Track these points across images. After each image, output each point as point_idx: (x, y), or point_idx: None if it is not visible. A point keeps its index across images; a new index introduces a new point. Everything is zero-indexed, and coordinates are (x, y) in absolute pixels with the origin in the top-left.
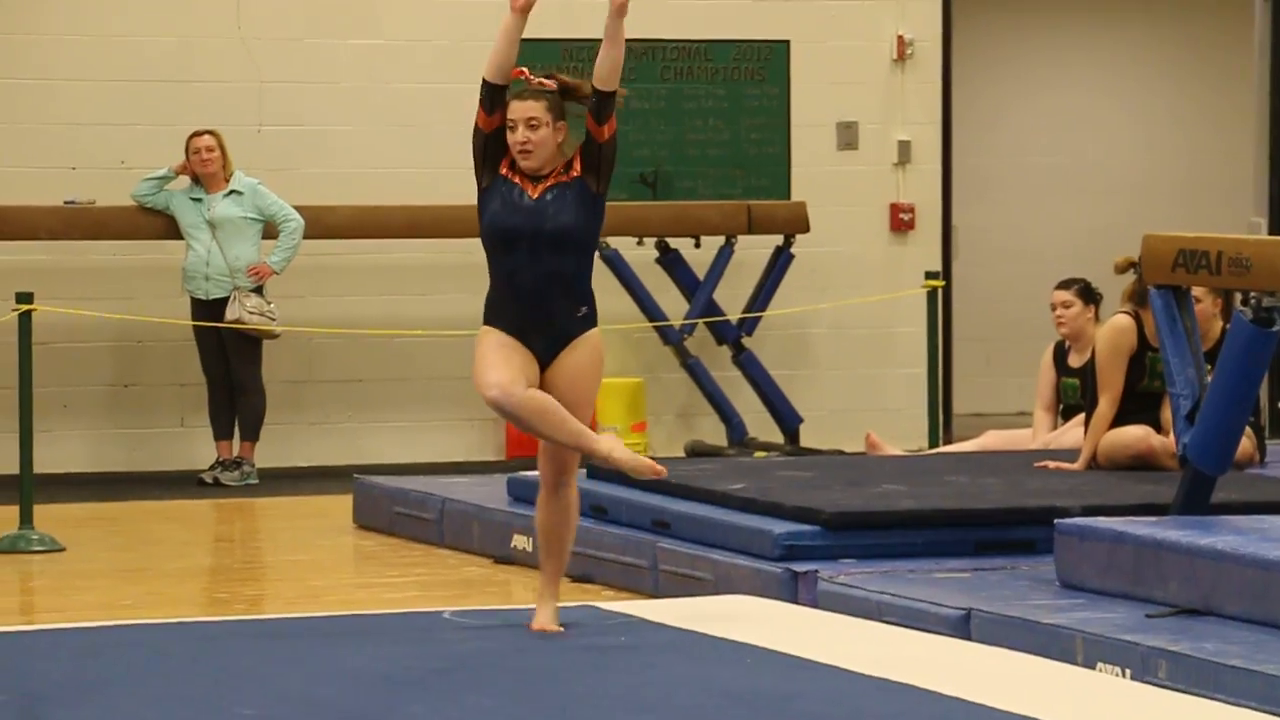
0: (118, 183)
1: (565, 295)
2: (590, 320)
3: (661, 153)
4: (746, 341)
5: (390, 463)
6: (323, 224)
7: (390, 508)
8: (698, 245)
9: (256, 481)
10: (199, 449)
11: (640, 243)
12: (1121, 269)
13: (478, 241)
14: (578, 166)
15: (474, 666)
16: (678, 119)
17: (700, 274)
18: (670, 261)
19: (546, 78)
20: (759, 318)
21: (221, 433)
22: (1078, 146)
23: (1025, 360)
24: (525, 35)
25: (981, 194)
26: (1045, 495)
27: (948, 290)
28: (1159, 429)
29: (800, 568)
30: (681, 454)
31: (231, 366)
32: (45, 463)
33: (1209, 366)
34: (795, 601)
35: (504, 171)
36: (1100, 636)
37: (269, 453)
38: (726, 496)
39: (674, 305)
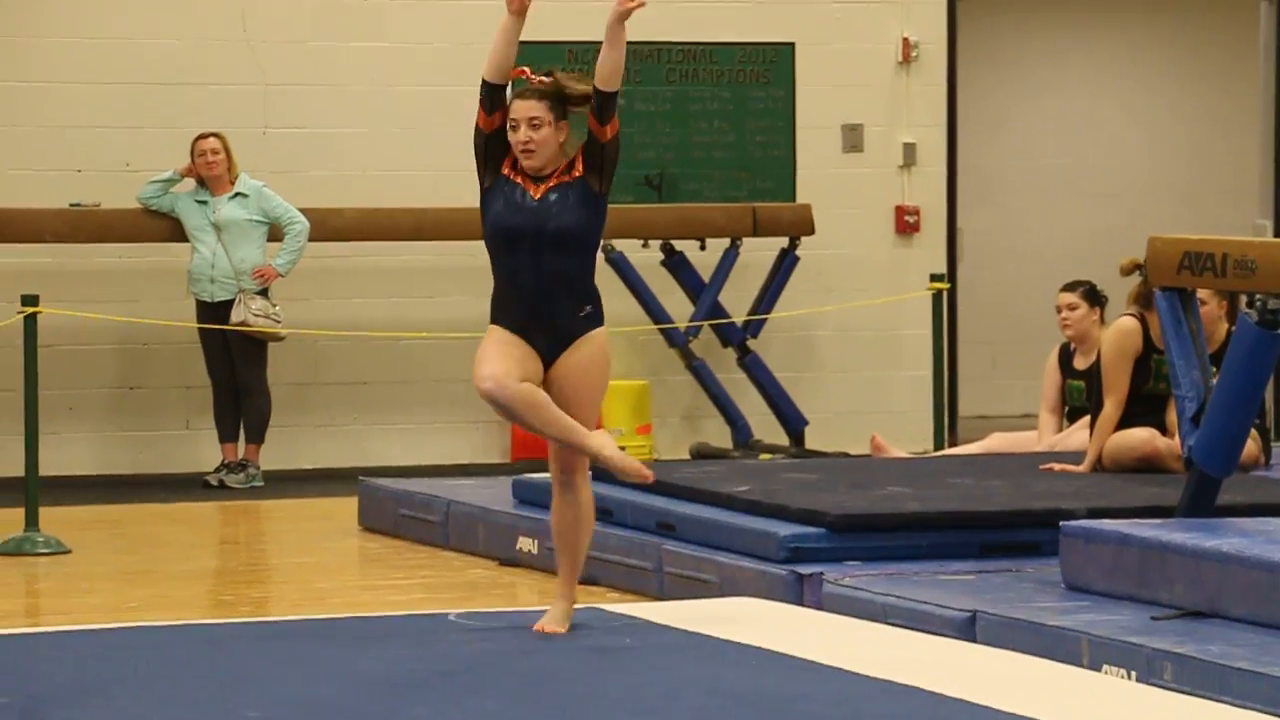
0: (123, 185)
1: (568, 294)
2: (595, 319)
3: (667, 155)
4: (752, 344)
5: (395, 465)
6: (328, 226)
7: (395, 510)
8: (703, 247)
9: (262, 484)
10: (204, 451)
11: (645, 245)
12: (1127, 271)
13: (482, 244)
14: (580, 166)
15: (479, 669)
16: (683, 121)
17: (705, 276)
18: (675, 264)
19: (547, 75)
20: (764, 320)
21: (227, 435)
22: (1083, 149)
23: (1030, 362)
24: (530, 37)
25: (987, 196)
26: (1050, 497)
27: (953, 292)
28: (1164, 431)
29: (805, 570)
30: (687, 456)
31: (237, 369)
32: (50, 465)
33: (1214, 369)
34: (800, 604)
35: (506, 172)
36: (1106, 639)
37: (274, 455)
38: (731, 499)
39: (679, 307)
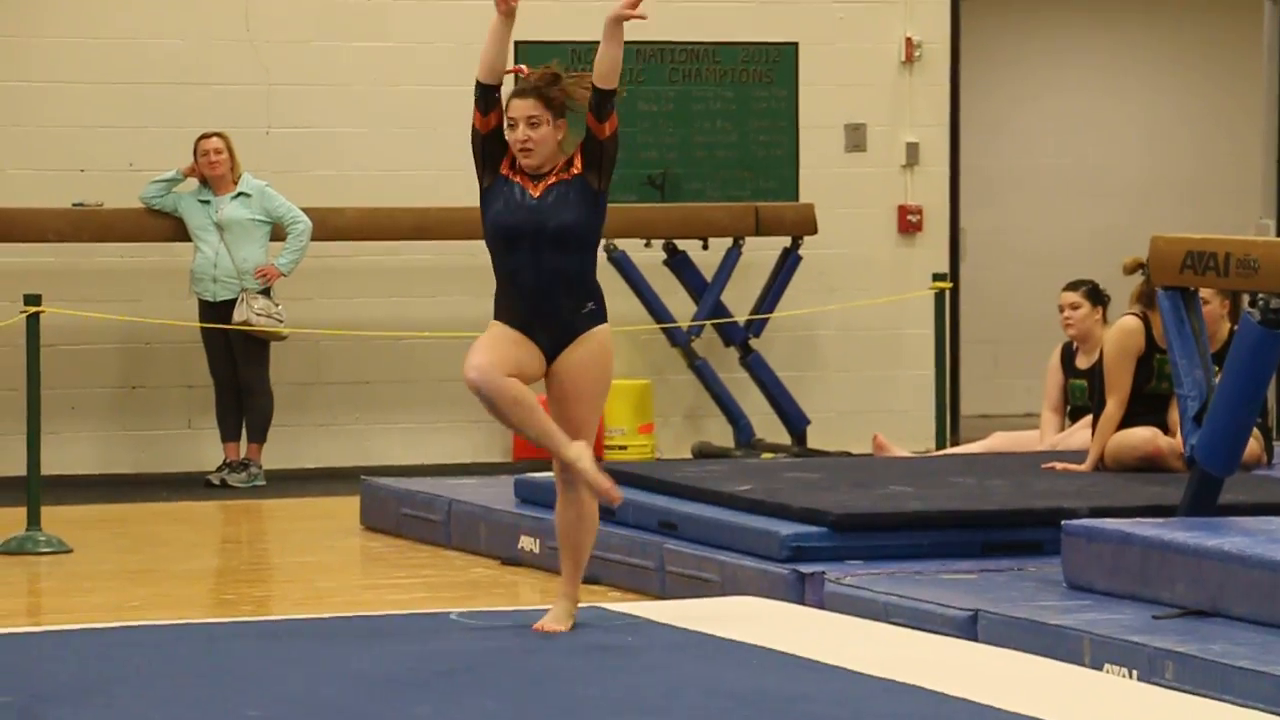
0: (126, 185)
1: (569, 292)
2: (597, 316)
3: (669, 155)
4: (754, 343)
5: (397, 464)
6: (330, 226)
7: (397, 509)
8: (705, 247)
9: (264, 483)
10: (206, 451)
11: (648, 244)
12: (1130, 270)
13: (484, 243)
14: (578, 164)
15: (480, 668)
16: (686, 121)
17: (708, 276)
18: (678, 263)
19: (545, 72)
20: (766, 319)
21: (229, 434)
22: (1086, 148)
23: (1033, 362)
24: (531, 37)
25: (989, 196)
26: (1052, 496)
27: (955, 292)
28: (1166, 431)
29: (807, 569)
30: (689, 455)
31: (239, 368)
32: (53, 464)
33: (1217, 368)
34: (802, 603)
35: (505, 171)
36: (1107, 638)
37: (276, 454)
38: (734, 498)
39: (681, 307)
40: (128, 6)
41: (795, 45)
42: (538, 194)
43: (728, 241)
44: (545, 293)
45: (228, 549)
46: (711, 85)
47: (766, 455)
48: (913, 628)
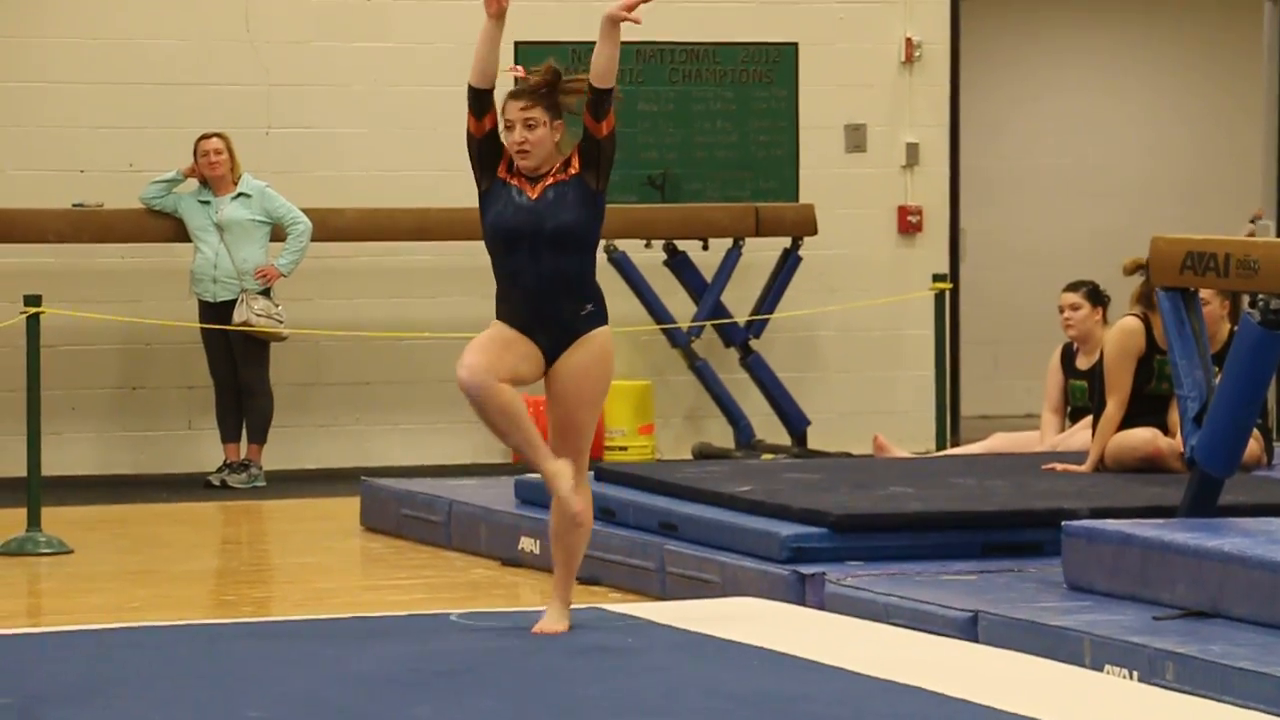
0: (126, 185)
1: (569, 293)
2: (597, 318)
3: (669, 155)
4: (754, 344)
5: (397, 465)
6: (330, 226)
7: (397, 510)
8: (705, 247)
9: (264, 484)
10: (206, 451)
11: (648, 245)
12: (1130, 271)
13: (484, 244)
14: (576, 164)
15: (481, 669)
16: (686, 121)
17: (708, 276)
18: (678, 264)
19: (543, 73)
20: (767, 320)
21: (229, 435)
22: (1085, 149)
23: (1033, 362)
24: (532, 37)
25: (989, 196)
26: (1053, 497)
27: (955, 292)
28: (1166, 431)
29: (807, 570)
30: (689, 456)
31: (239, 369)
32: (53, 465)
33: (1217, 369)
34: (802, 604)
35: (502, 174)
36: (1108, 639)
37: (276, 455)
38: (734, 499)
39: (682, 307)
40: (128, 7)
41: (795, 45)
42: (535, 195)
43: (728, 242)
44: (545, 294)
45: (228, 550)
46: (712, 86)
47: (767, 456)
48: (913, 629)
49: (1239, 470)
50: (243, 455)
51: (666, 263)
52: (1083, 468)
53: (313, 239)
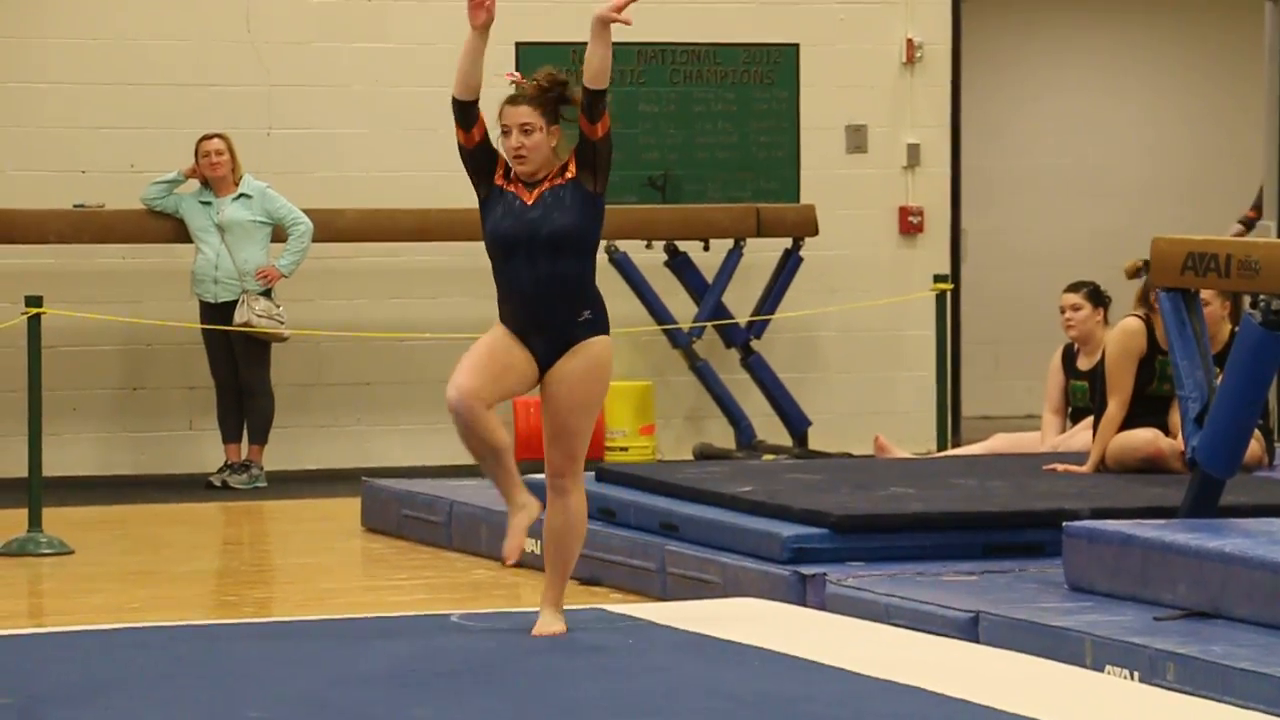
0: (127, 186)
1: (566, 298)
2: (595, 325)
3: (670, 156)
4: (755, 344)
5: (398, 465)
6: (331, 227)
7: (398, 510)
8: (706, 248)
9: (265, 484)
10: (207, 452)
11: (649, 245)
12: (1131, 274)
13: (484, 244)
14: (573, 168)
15: (481, 669)
16: (687, 122)
17: (709, 277)
18: (679, 264)
19: (538, 79)
20: (768, 320)
21: (230, 436)
22: (1086, 149)
23: (1034, 363)
24: (532, 38)
25: (990, 197)
26: (1053, 498)
27: (956, 293)
28: (1167, 432)
29: (808, 570)
30: (690, 456)
31: (240, 370)
32: (54, 466)
33: (1218, 370)
34: (803, 604)
35: (499, 181)
36: (1108, 639)
37: (277, 456)
38: (735, 499)
39: (683, 308)
40: (128, 7)
41: (796, 46)
42: (532, 201)
43: (729, 243)
44: (541, 299)
45: (229, 550)
46: (712, 86)
47: (768, 457)
48: (914, 629)
49: (1240, 471)
50: (244, 456)
51: (667, 263)
52: (1084, 468)
53: (314, 240)
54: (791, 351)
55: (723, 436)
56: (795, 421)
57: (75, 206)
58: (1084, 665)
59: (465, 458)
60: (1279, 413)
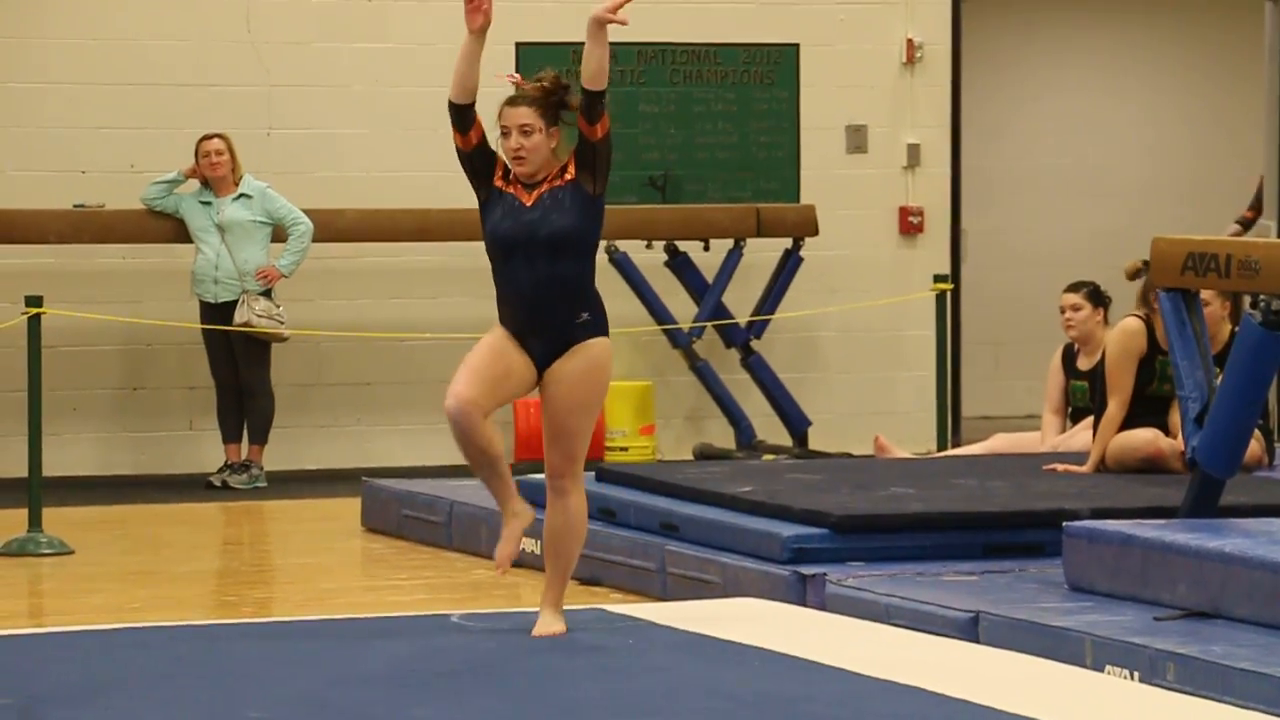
0: (127, 186)
1: (564, 300)
2: (594, 327)
3: (670, 156)
4: (755, 344)
5: (398, 465)
6: (332, 227)
7: (399, 511)
8: (706, 248)
9: (265, 484)
10: (207, 452)
11: (649, 245)
12: (1132, 276)
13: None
14: (572, 170)
15: (481, 669)
16: (687, 122)
17: (709, 277)
18: (679, 264)
19: (540, 81)
20: (768, 320)
21: (230, 436)
22: (1087, 149)
23: (1034, 363)
24: (532, 38)
25: (990, 197)
26: (1054, 498)
27: (956, 293)
28: (1168, 432)
29: (808, 570)
30: (690, 457)
31: (240, 370)
32: (54, 466)
33: (1218, 370)
34: (803, 604)
35: (498, 183)
36: (1109, 639)
37: (277, 456)
38: (735, 499)
39: (683, 308)
40: (128, 7)
41: (796, 46)
42: (530, 202)
43: (729, 243)
44: (539, 300)
45: (229, 550)
46: (713, 86)
47: (768, 457)
48: (914, 629)
49: (1240, 471)
50: (244, 456)
51: (668, 263)
52: (1084, 468)
53: (314, 240)
54: (791, 352)
55: (723, 437)
56: (795, 422)
57: (75, 206)
58: (1084, 665)
59: (465, 458)
60: (1279, 413)
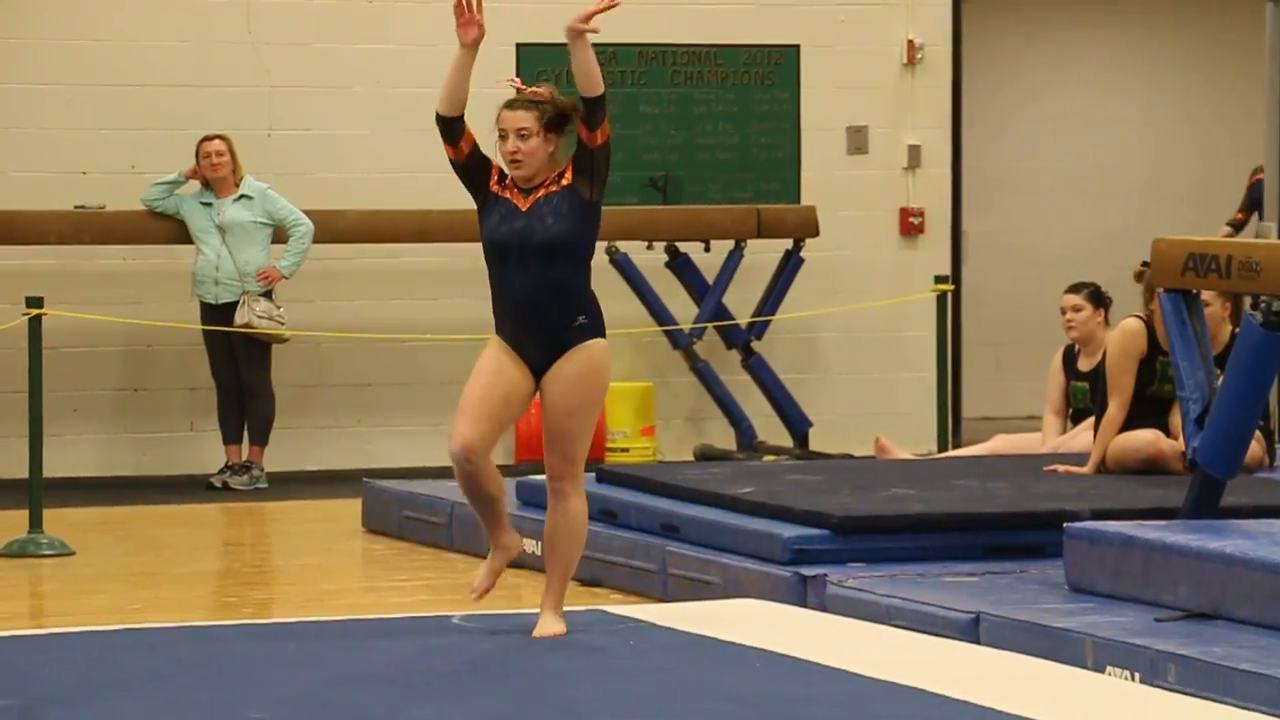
0: (128, 187)
1: (560, 304)
2: (591, 330)
3: (671, 157)
4: (756, 345)
5: (399, 466)
6: (332, 228)
7: (399, 511)
8: (707, 249)
9: (265, 485)
10: (208, 453)
11: (650, 246)
12: (1139, 277)
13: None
14: (569, 175)
15: (482, 670)
16: (688, 123)
17: (710, 278)
18: (680, 265)
19: (539, 89)
20: (768, 321)
21: (231, 437)
22: (1087, 150)
23: (1035, 364)
24: (532, 39)
25: (991, 198)
26: (1054, 499)
27: (957, 294)
28: (1168, 433)
29: (809, 571)
30: (691, 458)
31: (241, 371)
32: (55, 467)
33: (1219, 371)
34: (804, 605)
35: (494, 188)
36: (1109, 640)
37: (278, 457)
38: (736, 500)
39: (683, 309)
40: (128, 8)
41: (797, 47)
42: (526, 207)
43: (729, 243)
44: (533, 305)
45: (230, 551)
46: (713, 87)
47: (768, 458)
48: (915, 630)
49: (1241, 472)
50: (244, 457)
51: (668, 264)
52: (1084, 469)
53: (314, 241)
54: (792, 352)
55: (723, 437)
56: (796, 422)
57: (76, 207)
58: (1085, 666)
59: None
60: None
